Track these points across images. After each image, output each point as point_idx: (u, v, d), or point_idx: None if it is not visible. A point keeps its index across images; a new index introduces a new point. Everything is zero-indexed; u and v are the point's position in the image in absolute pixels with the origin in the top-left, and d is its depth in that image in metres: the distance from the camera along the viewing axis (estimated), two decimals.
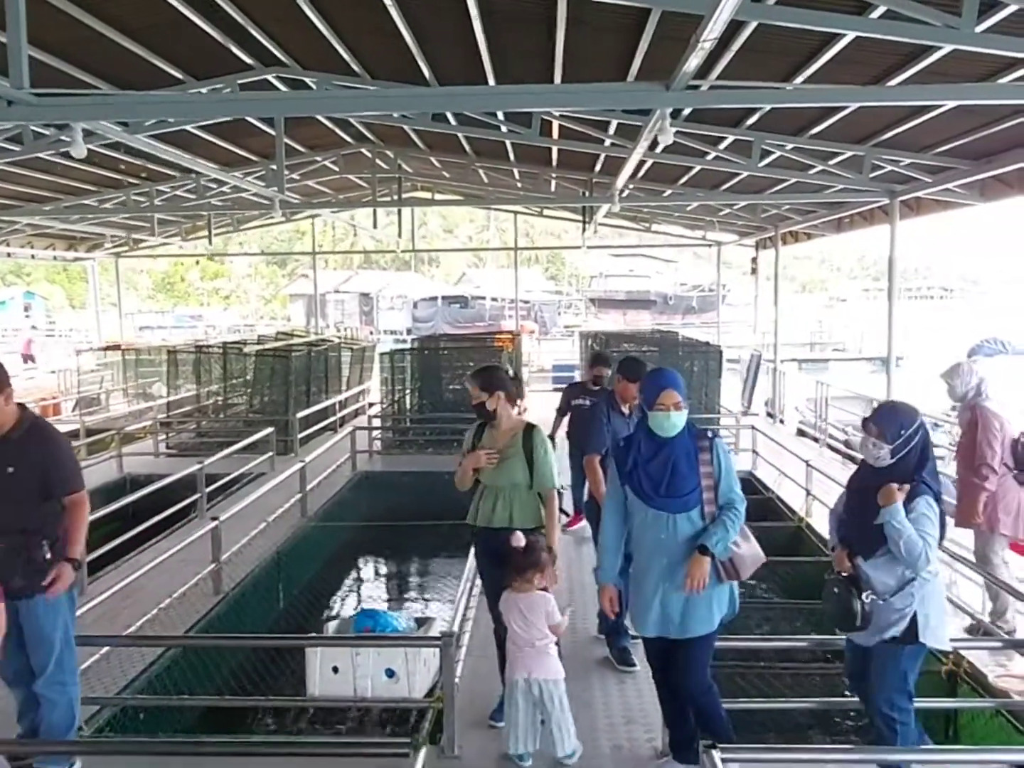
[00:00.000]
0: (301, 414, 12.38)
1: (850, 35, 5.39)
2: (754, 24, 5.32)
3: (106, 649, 5.20)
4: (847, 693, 4.41)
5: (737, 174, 11.65)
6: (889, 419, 3.77)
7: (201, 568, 6.98)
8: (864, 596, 3.67)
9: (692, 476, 3.79)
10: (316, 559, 8.92)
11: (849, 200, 11.84)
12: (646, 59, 6.97)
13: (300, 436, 12.38)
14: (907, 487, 3.65)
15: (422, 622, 6.10)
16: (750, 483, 10.67)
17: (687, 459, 3.81)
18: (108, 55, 8.35)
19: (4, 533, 3.92)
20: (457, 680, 4.35)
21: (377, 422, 13.50)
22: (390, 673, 4.68)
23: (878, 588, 3.67)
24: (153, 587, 6.57)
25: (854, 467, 9.38)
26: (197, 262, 52.26)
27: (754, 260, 19.22)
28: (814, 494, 8.96)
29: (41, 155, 10.75)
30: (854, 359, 35.81)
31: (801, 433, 14.54)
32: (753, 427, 11.67)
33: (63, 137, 7.38)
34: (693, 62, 4.49)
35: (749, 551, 3.89)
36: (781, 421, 15.43)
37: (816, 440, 13.35)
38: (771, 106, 7.14)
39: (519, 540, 4.09)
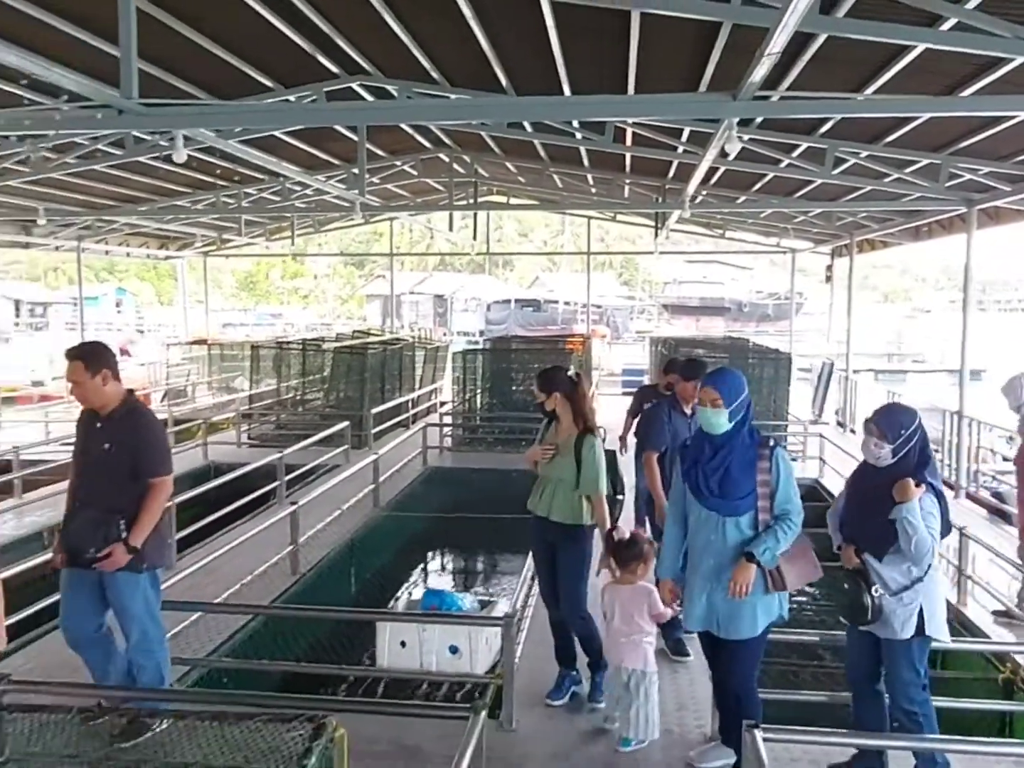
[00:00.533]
0: (376, 410, 12.82)
1: (921, 46, 5.47)
2: (824, 36, 5.45)
3: (195, 617, 5.60)
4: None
5: (811, 181, 11.64)
6: (890, 420, 3.89)
7: (279, 550, 7.39)
8: (873, 590, 3.80)
9: (746, 482, 3.88)
10: (387, 547, 9.29)
11: (926, 208, 11.73)
12: (718, 67, 7.11)
13: (374, 431, 12.82)
14: (923, 485, 3.76)
15: (485, 604, 6.38)
16: (815, 491, 10.68)
17: (744, 464, 3.91)
18: (205, 65, 8.82)
19: (92, 506, 4.23)
20: (517, 660, 4.61)
21: (448, 419, 13.86)
22: (454, 650, 4.97)
23: (890, 586, 3.80)
24: (234, 565, 6.95)
25: None
26: (284, 261, 53.53)
27: (829, 268, 19.04)
28: None
29: (141, 159, 11.36)
30: (933, 371, 34.89)
31: None
32: (821, 435, 11.66)
33: (162, 142, 7.86)
34: (759, 73, 4.65)
35: (800, 565, 3.96)
36: (852, 431, 15.27)
37: None
38: (840, 116, 7.19)
39: (622, 533, 4.37)
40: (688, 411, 5.80)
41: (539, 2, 6.71)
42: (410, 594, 8.37)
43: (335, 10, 8.03)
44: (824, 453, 11.42)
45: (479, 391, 13.97)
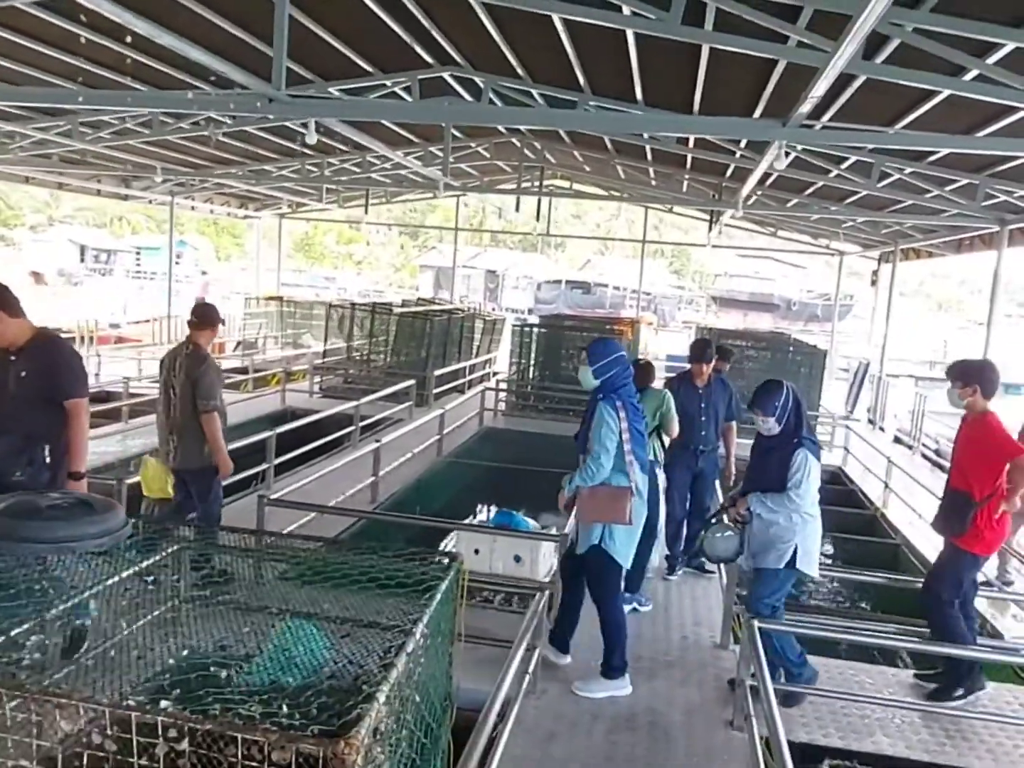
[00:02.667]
0: (438, 372, 13.97)
1: (945, 92, 6.39)
2: (863, 77, 6.38)
3: (299, 524, 6.77)
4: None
5: (858, 191, 12.46)
6: (765, 399, 4.82)
7: (358, 484, 8.55)
8: (745, 534, 4.92)
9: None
10: (447, 488, 10.47)
11: (963, 224, 12.49)
12: (774, 92, 8.03)
13: (434, 392, 13.98)
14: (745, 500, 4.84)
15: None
16: (838, 476, 11.66)
17: (591, 414, 4.94)
18: (320, 52, 9.90)
19: (11, 433, 4.33)
20: None
21: (504, 387, 14.99)
22: (517, 559, 6.06)
23: (772, 524, 4.80)
24: (321, 495, 8.02)
25: (942, 474, 10.52)
26: (350, 226, 54.63)
27: (875, 273, 19.74)
28: (892, 488, 9.92)
29: (248, 129, 12.52)
30: None
31: (898, 440, 15.23)
32: (847, 427, 12.58)
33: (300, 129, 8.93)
34: (804, 109, 5.63)
35: (600, 503, 4.77)
36: (881, 428, 16.12)
37: (910, 448, 14.08)
38: (873, 146, 8.08)
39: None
40: (699, 385, 7.00)
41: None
42: (481, 514, 9.58)
43: (436, 5, 8.94)
44: (849, 444, 12.35)
45: (532, 363, 15.04)
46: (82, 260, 51.73)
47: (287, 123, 11.29)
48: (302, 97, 7.07)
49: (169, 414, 5.88)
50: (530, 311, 43.21)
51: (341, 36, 9.69)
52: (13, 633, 2.62)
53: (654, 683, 5.04)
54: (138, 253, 54.72)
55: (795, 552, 4.77)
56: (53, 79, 10.09)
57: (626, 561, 4.89)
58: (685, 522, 7.11)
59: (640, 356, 14.95)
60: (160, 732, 2.12)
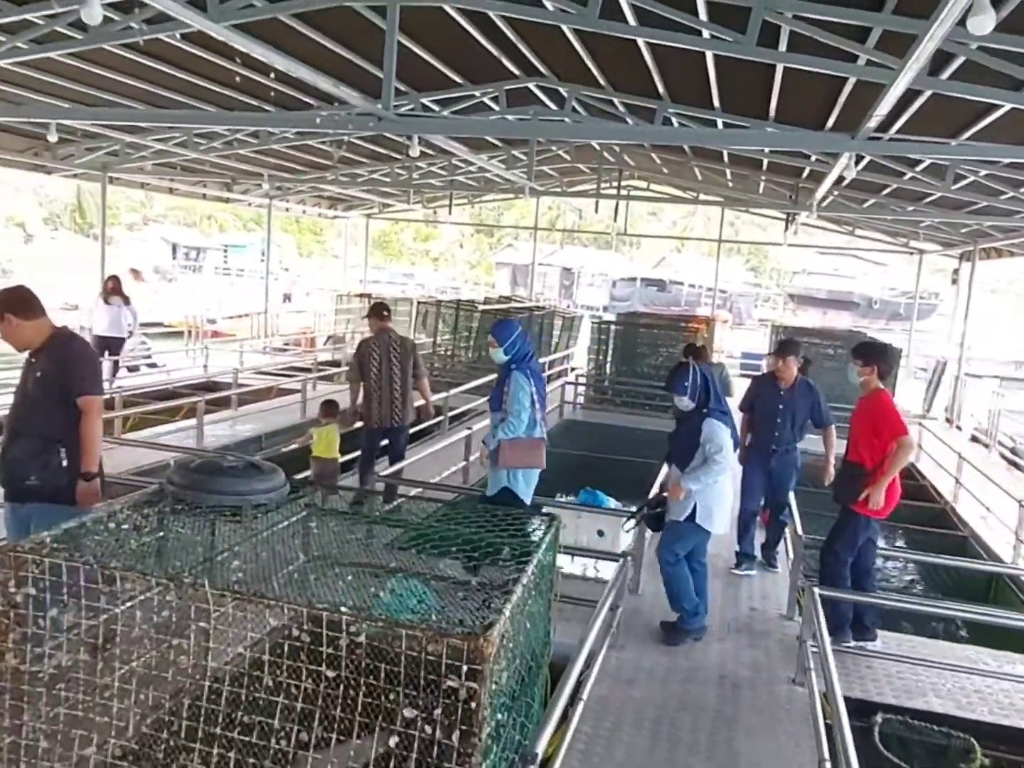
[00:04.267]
0: None
1: (1008, 105, 6.74)
2: (929, 92, 6.79)
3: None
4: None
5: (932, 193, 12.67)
6: (676, 381, 5.51)
7: (450, 467, 9.27)
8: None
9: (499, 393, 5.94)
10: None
11: None
12: (850, 96, 8.42)
13: None
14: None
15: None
16: (908, 471, 11.90)
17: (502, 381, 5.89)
18: (415, 66, 10.64)
19: (27, 435, 4.30)
20: (647, 543, 6.32)
21: (583, 381, 15.59)
22: (601, 533, 6.68)
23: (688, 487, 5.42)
24: (416, 476, 8.82)
25: (1019, 472, 10.87)
26: (427, 224, 55.72)
27: (955, 271, 19.69)
28: (963, 483, 10.20)
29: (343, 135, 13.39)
30: None
31: (975, 439, 15.32)
32: (920, 423, 12.82)
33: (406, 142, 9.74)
34: (872, 124, 6.10)
35: (519, 452, 5.77)
36: (958, 427, 16.20)
37: (987, 447, 14.19)
38: (929, 161, 8.42)
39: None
40: (781, 386, 7.20)
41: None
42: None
43: (523, 20, 9.54)
44: (922, 441, 12.59)
45: (609, 359, 15.60)
46: (174, 257, 53.96)
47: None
48: (409, 115, 7.77)
49: (393, 384, 7.64)
50: (605, 308, 43.50)
51: (434, 51, 10.34)
52: (219, 558, 3.37)
53: (724, 644, 5.61)
54: (225, 250, 56.69)
55: (695, 509, 5.46)
56: (196, 103, 11.16)
57: (527, 499, 5.93)
58: (757, 520, 7.33)
59: (715, 352, 15.43)
60: (344, 628, 2.81)
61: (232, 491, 3.76)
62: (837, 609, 5.56)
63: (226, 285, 45.33)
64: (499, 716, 3.05)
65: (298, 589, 3.26)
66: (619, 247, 61.89)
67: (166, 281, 46.41)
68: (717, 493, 5.51)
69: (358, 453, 8.34)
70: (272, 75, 9.96)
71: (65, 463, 4.29)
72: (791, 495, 7.07)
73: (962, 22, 4.23)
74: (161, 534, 3.60)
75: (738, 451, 7.06)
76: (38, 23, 8.16)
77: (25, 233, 48.68)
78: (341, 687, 2.89)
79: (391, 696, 2.86)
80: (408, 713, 2.84)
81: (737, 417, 7.30)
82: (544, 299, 41.20)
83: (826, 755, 3.85)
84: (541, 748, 3.01)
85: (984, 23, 3.70)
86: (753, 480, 7.19)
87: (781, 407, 7.06)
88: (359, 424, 8.12)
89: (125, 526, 3.58)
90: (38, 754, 3.17)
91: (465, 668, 2.69)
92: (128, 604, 3.09)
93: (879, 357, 5.78)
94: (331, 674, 2.88)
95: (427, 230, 61.62)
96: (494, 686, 2.84)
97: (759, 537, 7.36)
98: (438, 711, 2.79)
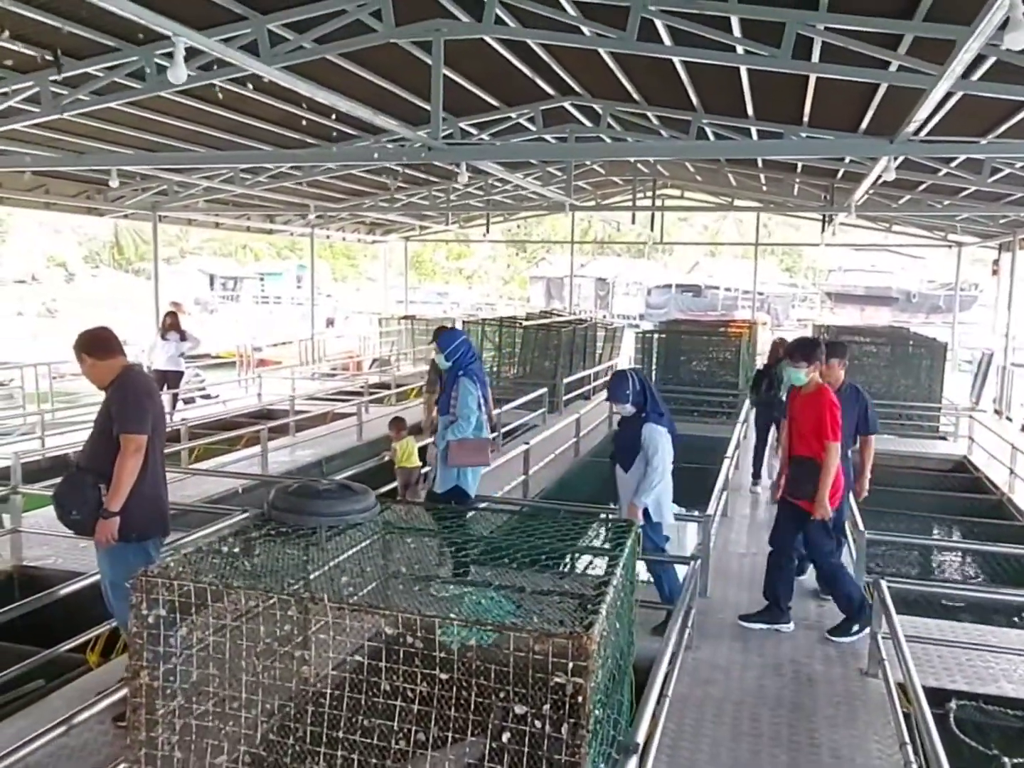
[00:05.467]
0: (567, 379, 14.87)
1: None
2: (960, 93, 6.94)
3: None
4: None
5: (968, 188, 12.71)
6: (617, 390, 5.76)
7: (509, 483, 9.50)
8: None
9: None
10: (588, 485, 11.28)
11: None
12: (884, 99, 8.55)
13: (563, 399, 14.88)
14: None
15: None
16: (963, 465, 11.95)
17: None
18: (451, 92, 10.90)
19: (79, 470, 4.40)
20: (712, 547, 6.49)
21: None
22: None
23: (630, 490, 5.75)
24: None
25: None
26: (468, 245, 56.20)
27: (995, 262, 19.60)
28: (1018, 474, 10.23)
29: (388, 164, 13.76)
30: None
31: None
32: (971, 416, 12.82)
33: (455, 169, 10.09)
34: (911, 128, 6.26)
35: (466, 452, 6.11)
36: (1008, 418, 16.10)
37: None
38: (964, 156, 8.55)
39: None
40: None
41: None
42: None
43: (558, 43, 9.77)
44: (974, 433, 12.59)
45: (654, 367, 15.75)
46: (212, 288, 54.99)
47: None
48: (456, 144, 8.08)
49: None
50: (641, 317, 43.61)
51: (472, 78, 10.64)
52: (328, 574, 3.65)
53: (795, 640, 5.76)
54: (262, 279, 57.65)
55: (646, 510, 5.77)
56: (246, 141, 11.62)
57: (473, 493, 6.33)
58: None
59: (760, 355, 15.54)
60: (456, 633, 3.06)
61: (331, 512, 4.03)
62: (849, 599, 5.77)
63: (265, 313, 46.13)
64: (596, 712, 3.26)
65: (406, 599, 3.51)
66: (652, 254, 61.92)
67: (207, 312, 47.28)
68: (661, 488, 5.84)
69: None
70: (333, 115, 10.41)
71: (103, 496, 4.25)
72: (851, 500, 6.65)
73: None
74: (270, 555, 3.87)
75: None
76: (98, 75, 8.58)
77: (67, 272, 49.97)
78: (454, 688, 3.13)
79: (501, 695, 3.09)
80: (519, 710, 3.06)
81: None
82: (580, 310, 41.53)
83: (906, 739, 4.02)
84: (641, 738, 3.21)
85: (1019, 39, 3.86)
86: None
87: None
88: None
89: (236, 549, 3.86)
90: (173, 764, 3.43)
91: (571, 665, 2.91)
92: (250, 619, 3.36)
93: (817, 353, 5.91)
94: (444, 676, 3.12)
95: (459, 248, 62.05)
96: (593, 683, 3.06)
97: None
98: (546, 707, 3.01)
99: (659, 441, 5.72)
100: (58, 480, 4.57)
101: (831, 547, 5.93)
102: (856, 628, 5.78)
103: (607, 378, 19.26)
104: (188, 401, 15.82)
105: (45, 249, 48.49)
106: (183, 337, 13.38)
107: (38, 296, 43.24)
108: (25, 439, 11.74)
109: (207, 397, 17.07)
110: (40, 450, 10.65)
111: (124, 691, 3.55)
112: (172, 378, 13.34)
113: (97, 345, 4.48)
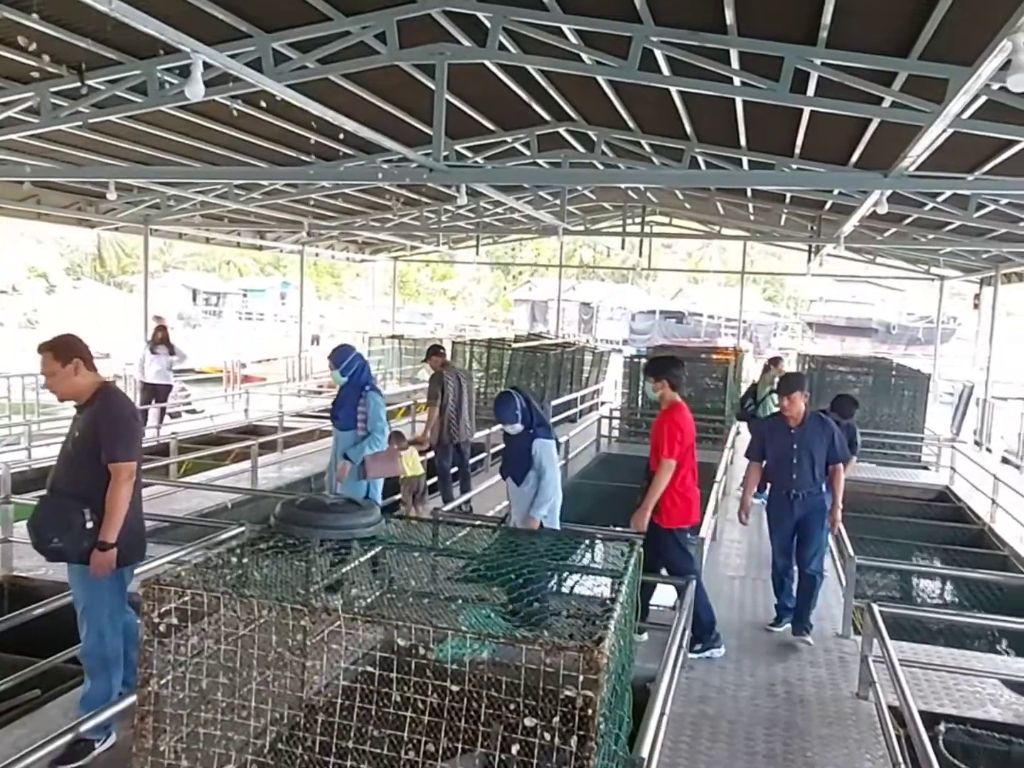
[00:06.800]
0: (555, 402, 14.95)
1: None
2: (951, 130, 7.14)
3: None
4: None
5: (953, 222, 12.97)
6: (504, 411, 5.77)
7: (498, 504, 9.53)
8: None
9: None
10: (576, 507, 11.27)
11: None
12: (877, 131, 8.74)
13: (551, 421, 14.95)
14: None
15: None
16: (944, 494, 12.12)
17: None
18: (453, 117, 11.07)
19: (58, 494, 4.18)
20: (702, 568, 6.56)
21: (617, 414, 15.86)
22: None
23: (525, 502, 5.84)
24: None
25: None
26: (453, 266, 56.42)
27: (977, 296, 19.95)
28: (1000, 504, 10.38)
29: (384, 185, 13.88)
30: None
31: (1005, 461, 15.45)
32: (953, 446, 13.01)
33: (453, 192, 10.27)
34: (906, 163, 6.43)
35: (379, 464, 6.51)
36: (988, 449, 16.34)
37: (1019, 468, 14.34)
38: (951, 191, 8.78)
39: None
40: (791, 425, 6.42)
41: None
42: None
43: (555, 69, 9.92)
44: (955, 464, 12.77)
45: (641, 392, 15.85)
46: (195, 303, 54.81)
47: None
48: (456, 167, 8.20)
49: (461, 407, 9.61)
50: (625, 342, 43.88)
51: (469, 101, 10.75)
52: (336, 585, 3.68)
53: (787, 663, 5.83)
54: (245, 295, 57.56)
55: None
56: (243, 157, 11.69)
57: (380, 502, 6.73)
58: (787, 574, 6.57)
59: (744, 383, 15.68)
60: (469, 645, 3.10)
61: (338, 526, 4.07)
62: (699, 619, 5.76)
63: (248, 329, 45.98)
64: (602, 725, 3.31)
65: (416, 610, 3.55)
66: (636, 280, 62.33)
67: (190, 327, 47.13)
68: (555, 499, 5.97)
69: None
70: (341, 135, 10.54)
71: (90, 525, 4.09)
72: (826, 534, 6.55)
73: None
74: (279, 566, 3.90)
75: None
76: (99, 88, 8.63)
77: (48, 283, 49.65)
78: (464, 700, 3.17)
79: (511, 707, 3.13)
80: (528, 722, 3.11)
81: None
82: (565, 334, 41.72)
83: (899, 759, 4.09)
84: (646, 753, 3.26)
85: (1021, 82, 4.00)
86: (780, 532, 6.52)
87: (795, 447, 6.33)
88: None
89: (245, 560, 3.89)
90: None
91: (581, 678, 2.96)
92: (260, 628, 3.39)
93: (666, 371, 6.02)
94: (455, 688, 3.16)
95: (444, 269, 62.19)
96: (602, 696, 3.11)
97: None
98: (555, 719, 3.06)
99: (550, 455, 5.87)
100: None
101: (688, 564, 5.87)
102: (700, 647, 5.83)
103: (594, 401, 19.60)
104: (174, 415, 15.76)
105: (26, 260, 48.17)
106: (172, 351, 13.38)
107: (18, 307, 42.94)
108: (11, 450, 11.65)
109: (193, 412, 17.01)
110: (27, 461, 10.57)
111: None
112: (161, 391, 13.35)
113: (87, 353, 4.28)
